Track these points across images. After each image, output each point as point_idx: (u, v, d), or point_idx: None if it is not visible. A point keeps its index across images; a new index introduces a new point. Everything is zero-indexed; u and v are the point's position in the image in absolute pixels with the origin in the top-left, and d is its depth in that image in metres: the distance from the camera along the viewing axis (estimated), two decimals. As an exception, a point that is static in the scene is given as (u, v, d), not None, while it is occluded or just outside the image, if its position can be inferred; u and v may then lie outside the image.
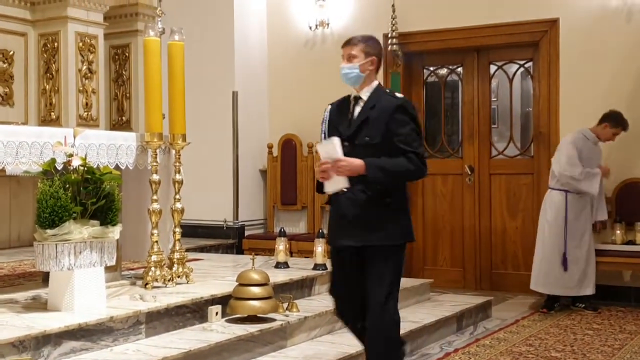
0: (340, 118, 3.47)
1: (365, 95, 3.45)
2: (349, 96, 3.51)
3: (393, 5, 7.38)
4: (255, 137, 8.01)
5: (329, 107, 3.59)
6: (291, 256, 6.14)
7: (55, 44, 6.61)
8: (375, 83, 3.47)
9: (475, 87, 7.45)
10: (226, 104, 7.79)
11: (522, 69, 7.44)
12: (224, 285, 4.75)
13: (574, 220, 6.12)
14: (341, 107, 3.52)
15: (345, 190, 3.31)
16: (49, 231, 3.66)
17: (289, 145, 7.93)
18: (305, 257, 6.45)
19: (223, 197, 7.77)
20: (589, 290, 6.15)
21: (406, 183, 3.45)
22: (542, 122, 7.02)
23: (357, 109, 3.43)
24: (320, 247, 5.61)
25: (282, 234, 5.82)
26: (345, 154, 3.27)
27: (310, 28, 7.84)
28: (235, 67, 7.81)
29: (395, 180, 3.33)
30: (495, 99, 7.98)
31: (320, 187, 3.45)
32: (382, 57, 3.54)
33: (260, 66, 8.11)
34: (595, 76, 6.71)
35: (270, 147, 8.02)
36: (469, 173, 7.40)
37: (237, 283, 4.45)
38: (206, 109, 7.75)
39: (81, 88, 6.66)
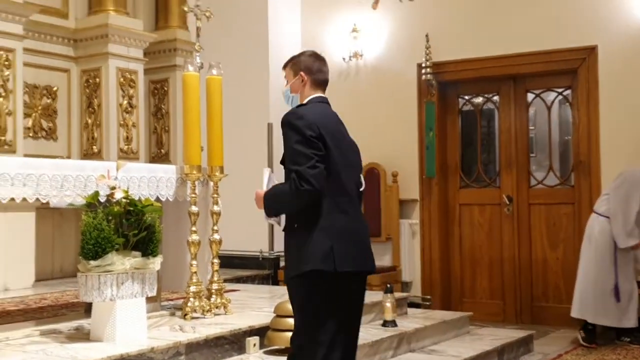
0: None
1: None
2: None
3: (427, 35, 7.42)
4: (291, 168, 8.04)
5: None
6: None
7: (97, 79, 6.79)
8: (307, 99, 3.27)
9: (512, 116, 7.42)
10: (261, 135, 7.86)
11: (560, 97, 7.39)
12: (262, 316, 4.76)
13: (622, 249, 5.98)
14: None
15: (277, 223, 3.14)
16: (93, 262, 3.72)
17: (324, 176, 7.95)
18: (371, 290, 6.40)
19: (257, 228, 7.79)
20: (632, 322, 5.99)
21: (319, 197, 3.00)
22: (582, 151, 6.94)
23: None
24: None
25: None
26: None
27: (344, 59, 7.91)
28: (270, 99, 7.91)
29: (281, 208, 3.07)
30: (532, 127, 7.93)
31: None
32: (313, 68, 3.26)
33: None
34: (636, 103, 6.63)
35: (306, 178, 8.05)
36: (508, 203, 7.33)
37: (274, 314, 4.46)
38: (242, 141, 7.83)
39: (122, 122, 6.82)
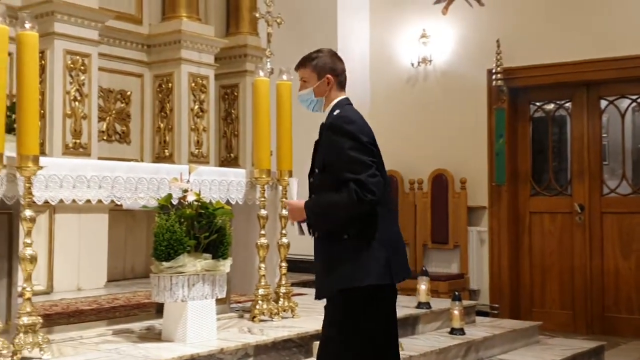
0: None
1: (324, 118, 3.03)
2: None
3: (498, 41, 7.31)
4: (357, 174, 8.04)
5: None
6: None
7: (170, 84, 6.94)
8: (334, 102, 3.01)
9: (585, 123, 7.24)
10: (329, 140, 7.89)
11: (634, 104, 7.17)
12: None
13: None
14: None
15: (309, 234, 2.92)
16: (165, 264, 3.80)
17: (390, 182, 7.92)
18: (407, 295, 6.34)
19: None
20: None
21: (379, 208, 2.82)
22: (657, 159, 6.72)
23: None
24: (423, 285, 5.53)
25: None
26: (310, 192, 2.94)
27: (413, 65, 7.87)
28: (338, 105, 7.91)
29: (333, 220, 2.81)
30: (605, 135, 7.71)
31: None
32: (338, 69, 3.04)
33: (362, 104, 8.17)
34: None
35: (372, 183, 8.04)
36: (579, 212, 7.14)
37: (341, 319, 4.45)
38: (311, 145, 7.86)
39: (193, 126, 6.95)
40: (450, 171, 7.50)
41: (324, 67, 3.00)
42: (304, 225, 2.91)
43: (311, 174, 2.98)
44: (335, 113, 2.92)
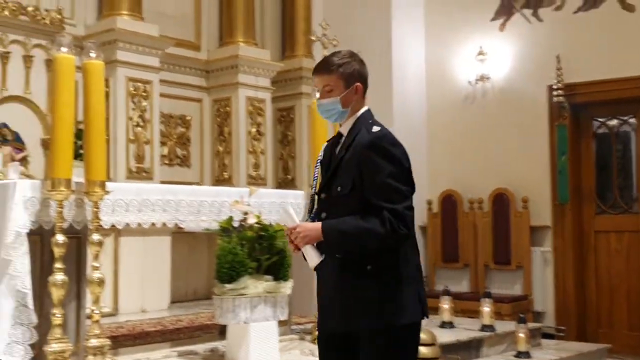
0: (328, 162, 2.68)
1: (345, 130, 2.65)
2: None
3: (558, 56, 7.18)
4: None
5: (324, 145, 2.78)
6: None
7: (228, 108, 7.05)
8: (358, 113, 2.64)
9: (651, 138, 7.03)
10: (386, 160, 7.85)
11: (703, 118, 6.94)
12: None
13: None
14: (332, 147, 2.70)
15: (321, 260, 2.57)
16: (228, 286, 3.83)
17: (449, 201, 7.83)
18: (469, 317, 6.27)
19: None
20: None
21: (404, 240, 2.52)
22: None
23: (337, 150, 2.65)
24: (487, 307, 5.44)
25: (447, 292, 5.72)
26: (321, 211, 2.60)
27: (470, 82, 7.79)
28: (394, 124, 7.88)
29: (357, 247, 2.49)
30: (672, 150, 7.47)
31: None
32: (366, 76, 2.66)
33: (419, 122, 8.14)
34: None
35: (429, 203, 7.97)
36: (647, 230, 6.92)
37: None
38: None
39: (251, 149, 7.03)
40: (511, 190, 7.37)
41: (352, 74, 2.62)
42: (313, 252, 2.55)
43: (322, 190, 2.62)
44: (374, 130, 2.56)
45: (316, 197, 2.66)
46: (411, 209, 2.48)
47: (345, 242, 2.49)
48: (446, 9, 7.99)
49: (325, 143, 2.76)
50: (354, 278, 2.50)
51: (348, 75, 2.60)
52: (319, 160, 2.71)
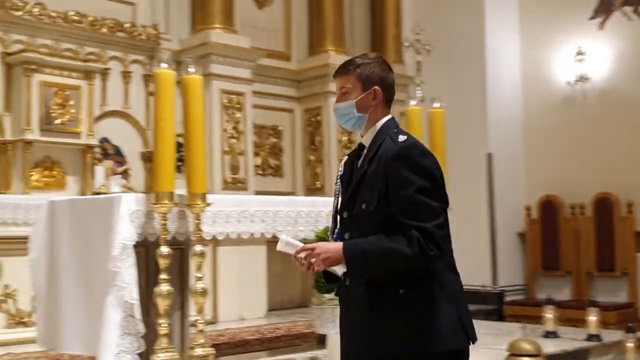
0: (350, 177, 2.44)
1: (367, 141, 2.40)
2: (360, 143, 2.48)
3: (662, 54, 6.86)
4: (510, 199, 7.78)
5: (345, 158, 2.53)
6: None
7: (318, 118, 7.08)
8: (380, 123, 2.38)
9: None
10: (479, 166, 7.69)
11: None
12: (492, 353, 4.57)
13: None
14: (354, 161, 2.45)
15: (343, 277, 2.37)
16: (327, 295, 3.81)
17: (549, 207, 7.58)
18: (573, 327, 6.04)
19: (479, 262, 7.59)
20: None
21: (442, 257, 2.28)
22: None
23: (359, 163, 2.40)
24: (593, 316, 5.22)
25: (550, 301, 5.52)
26: (344, 231, 2.37)
27: (569, 84, 7.54)
28: (489, 128, 7.72)
29: (381, 269, 2.26)
30: None
31: (326, 276, 2.49)
32: (388, 81, 2.39)
33: (514, 126, 7.93)
34: None
35: (528, 209, 7.74)
36: None
37: (507, 353, 4.27)
38: (460, 172, 7.71)
39: (341, 158, 7.01)
40: (616, 194, 7.07)
41: (370, 76, 2.37)
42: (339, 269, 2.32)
43: (345, 209, 2.39)
44: (400, 139, 2.30)
45: (338, 216, 2.43)
46: (443, 227, 2.25)
47: (368, 264, 2.25)
48: (541, 9, 7.77)
49: (345, 157, 2.52)
50: (383, 301, 2.28)
51: (366, 77, 2.36)
52: (338, 177, 2.47)
